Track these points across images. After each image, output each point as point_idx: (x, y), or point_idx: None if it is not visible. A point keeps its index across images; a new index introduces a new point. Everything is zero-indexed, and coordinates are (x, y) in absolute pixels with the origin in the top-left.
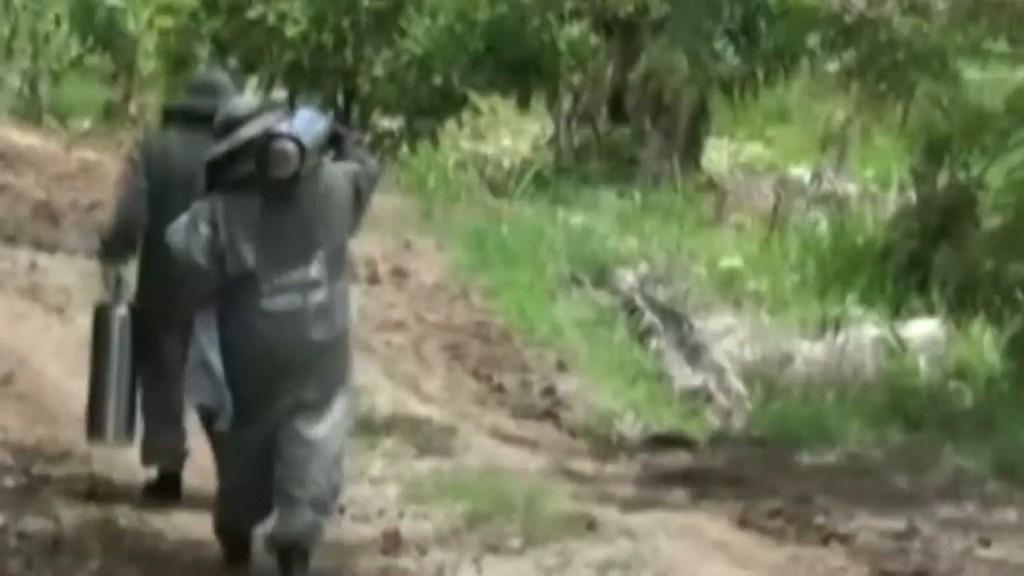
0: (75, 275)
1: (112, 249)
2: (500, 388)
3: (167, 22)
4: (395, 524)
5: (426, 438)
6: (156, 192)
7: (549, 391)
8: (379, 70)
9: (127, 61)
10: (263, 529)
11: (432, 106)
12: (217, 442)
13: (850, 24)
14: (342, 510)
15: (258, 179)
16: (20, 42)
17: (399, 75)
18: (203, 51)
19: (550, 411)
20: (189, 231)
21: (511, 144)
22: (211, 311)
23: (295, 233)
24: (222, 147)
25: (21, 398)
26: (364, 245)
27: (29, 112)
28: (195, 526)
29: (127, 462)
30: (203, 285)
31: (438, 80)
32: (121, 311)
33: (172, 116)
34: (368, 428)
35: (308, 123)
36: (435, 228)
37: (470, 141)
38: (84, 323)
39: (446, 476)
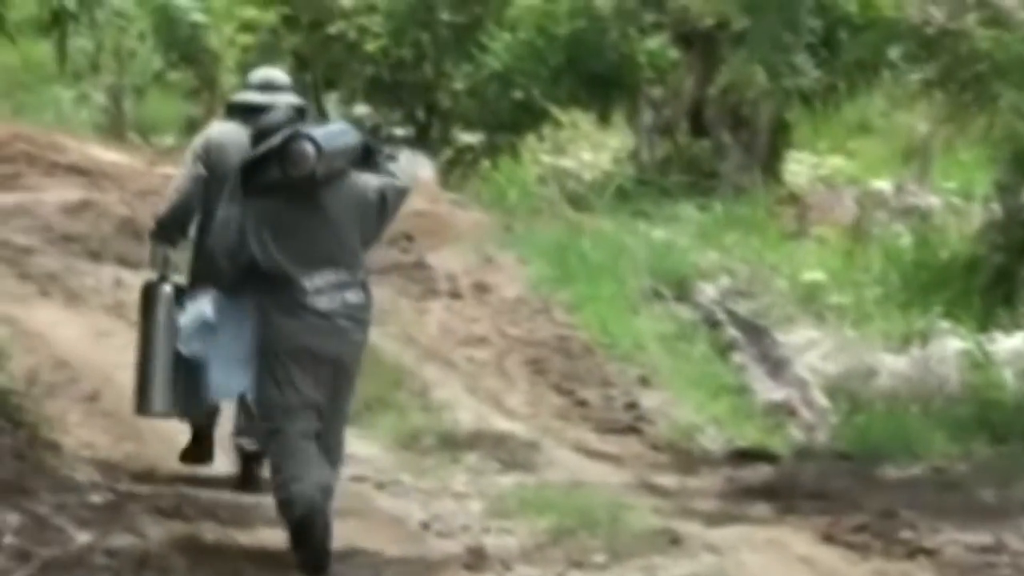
0: None
1: (164, 231)
2: (583, 403)
3: (248, 38)
4: (479, 540)
5: (509, 453)
6: (212, 181)
7: (632, 405)
8: (459, 84)
9: (209, 77)
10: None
11: (512, 120)
12: (266, 443)
13: (931, 36)
14: (426, 526)
15: (284, 182)
16: (105, 58)
17: (479, 89)
18: (284, 67)
19: (633, 425)
20: (218, 234)
21: (592, 158)
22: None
23: (325, 236)
24: (254, 153)
25: (107, 415)
26: (446, 260)
27: (113, 128)
28: (280, 541)
29: (213, 481)
30: (226, 284)
31: (518, 94)
32: (166, 289)
33: (233, 109)
34: (451, 444)
35: (334, 132)
36: (516, 242)
37: (551, 155)
38: None
39: (530, 491)
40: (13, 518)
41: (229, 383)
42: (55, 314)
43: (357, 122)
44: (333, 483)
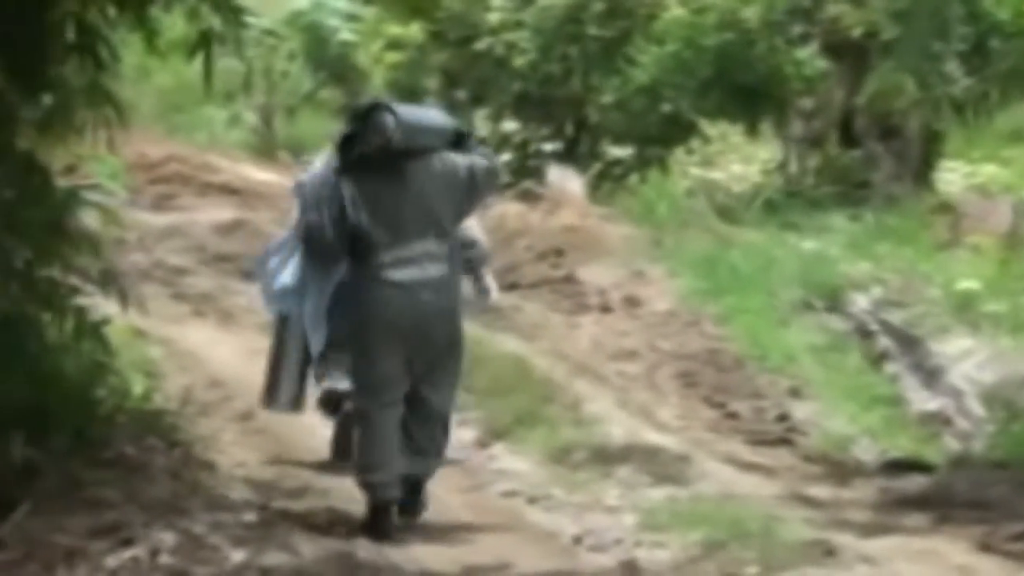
0: None
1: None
2: (734, 415)
3: (396, 56)
4: (631, 553)
5: (661, 466)
6: None
7: (783, 417)
8: (607, 98)
9: (358, 95)
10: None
11: (661, 133)
12: (353, 416)
13: None
14: (579, 540)
15: (373, 156)
16: (255, 78)
17: (627, 103)
18: (432, 84)
19: (784, 437)
20: (321, 208)
21: (741, 170)
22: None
23: (413, 209)
24: (346, 128)
25: (259, 433)
26: (596, 274)
27: (264, 148)
28: (432, 559)
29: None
30: (333, 256)
31: (667, 107)
32: None
33: None
34: (603, 458)
35: (419, 110)
36: (666, 255)
37: (700, 168)
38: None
39: (682, 504)
40: (169, 537)
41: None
42: (209, 334)
43: (505, 138)
44: (421, 470)
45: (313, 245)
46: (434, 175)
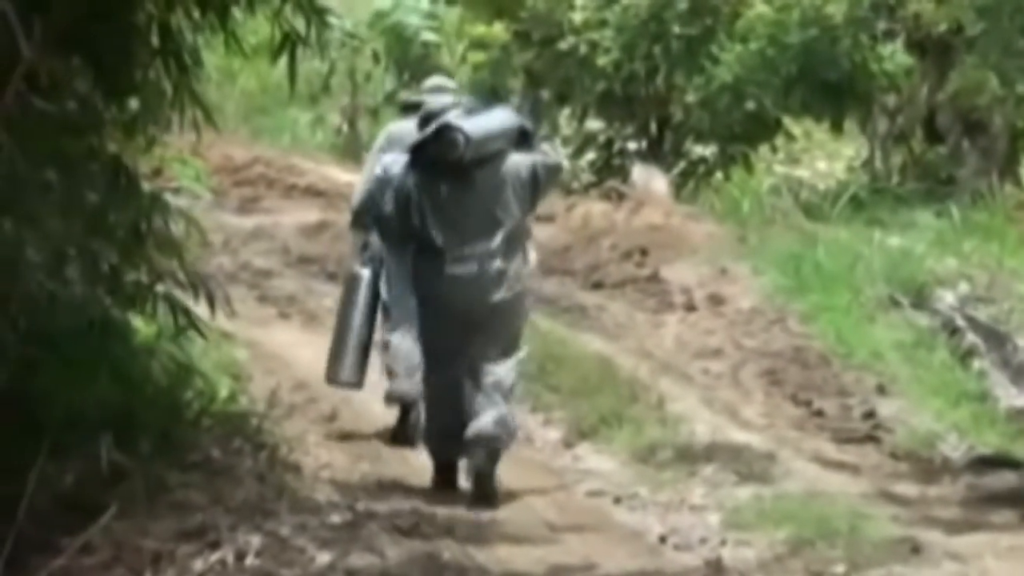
0: None
1: (360, 219)
2: (820, 413)
3: (480, 56)
4: (717, 552)
5: (746, 465)
6: None
7: (870, 414)
8: (691, 97)
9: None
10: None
11: (745, 131)
12: (426, 389)
13: None
14: (664, 539)
15: (443, 163)
16: (339, 79)
17: (711, 101)
18: (516, 84)
19: (871, 435)
20: (389, 195)
21: (826, 167)
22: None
23: (477, 211)
24: (421, 135)
25: (345, 435)
26: (680, 273)
27: (348, 149)
28: (518, 559)
29: (451, 497)
30: (392, 233)
31: (750, 105)
32: (366, 274)
33: (408, 109)
34: (687, 456)
35: (486, 119)
36: (751, 253)
37: (784, 165)
38: None
39: (767, 502)
40: (255, 539)
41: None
42: (294, 336)
43: (590, 137)
44: (484, 430)
45: (383, 233)
46: (500, 180)
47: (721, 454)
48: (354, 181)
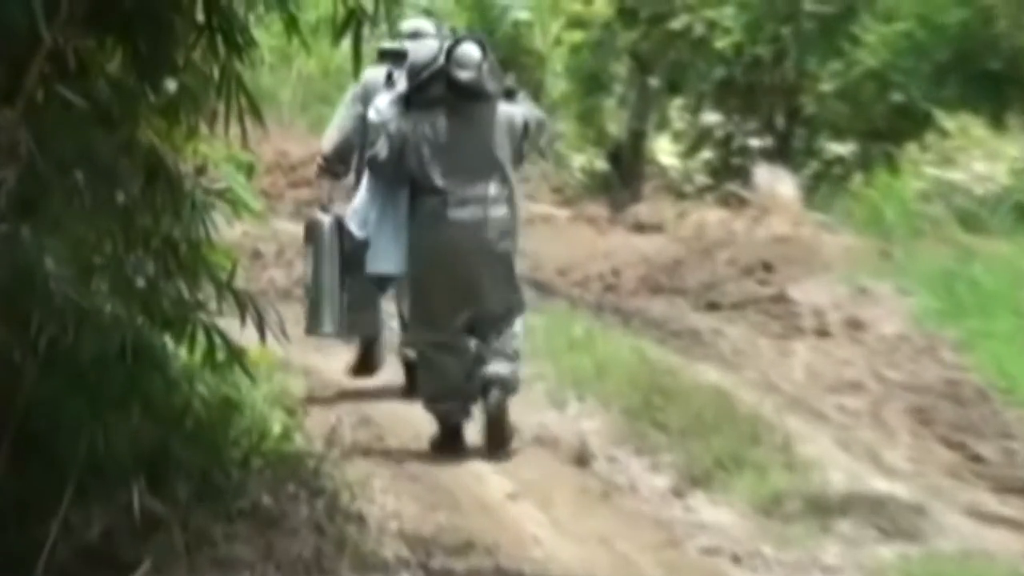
0: None
1: (329, 165)
2: (977, 458)
3: (578, 36)
4: None
5: (890, 519)
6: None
7: None
8: (827, 86)
9: (533, 82)
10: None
11: (890, 126)
12: (420, 354)
13: None
14: None
15: (445, 102)
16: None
17: (851, 91)
18: (620, 68)
19: None
20: (383, 140)
21: (985, 169)
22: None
23: (476, 153)
24: (416, 80)
25: (415, 479)
26: (811, 292)
27: None
28: None
29: (535, 557)
30: (387, 173)
31: (897, 96)
32: (329, 219)
33: (385, 56)
34: (820, 508)
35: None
36: (896, 270)
37: (936, 167)
38: None
39: (915, 563)
40: None
41: (388, 260)
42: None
43: (705, 132)
44: (499, 372)
45: (378, 176)
46: (499, 121)
47: (860, 506)
48: None
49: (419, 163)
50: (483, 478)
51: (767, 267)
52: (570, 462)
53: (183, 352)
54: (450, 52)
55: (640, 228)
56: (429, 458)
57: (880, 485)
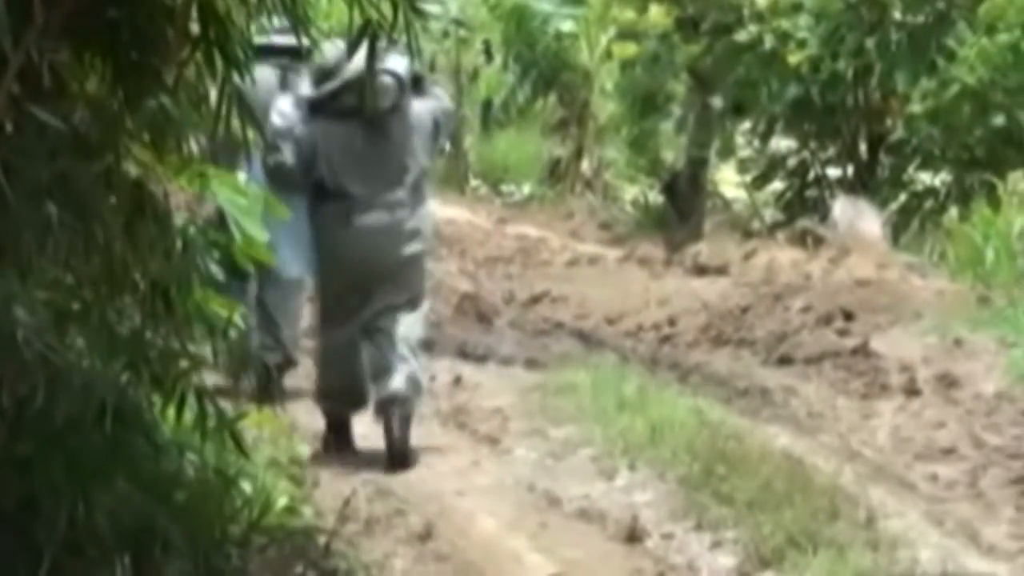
0: (512, 393)
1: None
2: None
3: (631, 50)
4: None
5: None
6: None
7: None
8: (916, 107)
9: (579, 103)
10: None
11: (990, 154)
12: (319, 346)
13: None
14: None
15: (359, 112)
16: (439, 78)
17: (945, 113)
18: (678, 87)
19: None
20: (289, 145)
21: None
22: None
23: (387, 160)
24: (327, 87)
25: (442, 559)
26: (898, 345)
27: (450, 175)
28: None
29: None
30: (292, 186)
31: (998, 119)
32: None
33: (264, 52)
34: None
35: (397, 63)
36: (997, 319)
37: None
38: (525, 457)
39: None
40: None
41: (296, 264)
42: (372, 424)
43: (777, 160)
44: (398, 392)
45: (278, 182)
46: (409, 128)
47: None
48: (457, 217)
49: (330, 171)
50: (520, 558)
51: (847, 316)
52: (620, 539)
53: (172, 413)
54: (370, 68)
55: (700, 271)
56: (458, 534)
57: (978, 565)
